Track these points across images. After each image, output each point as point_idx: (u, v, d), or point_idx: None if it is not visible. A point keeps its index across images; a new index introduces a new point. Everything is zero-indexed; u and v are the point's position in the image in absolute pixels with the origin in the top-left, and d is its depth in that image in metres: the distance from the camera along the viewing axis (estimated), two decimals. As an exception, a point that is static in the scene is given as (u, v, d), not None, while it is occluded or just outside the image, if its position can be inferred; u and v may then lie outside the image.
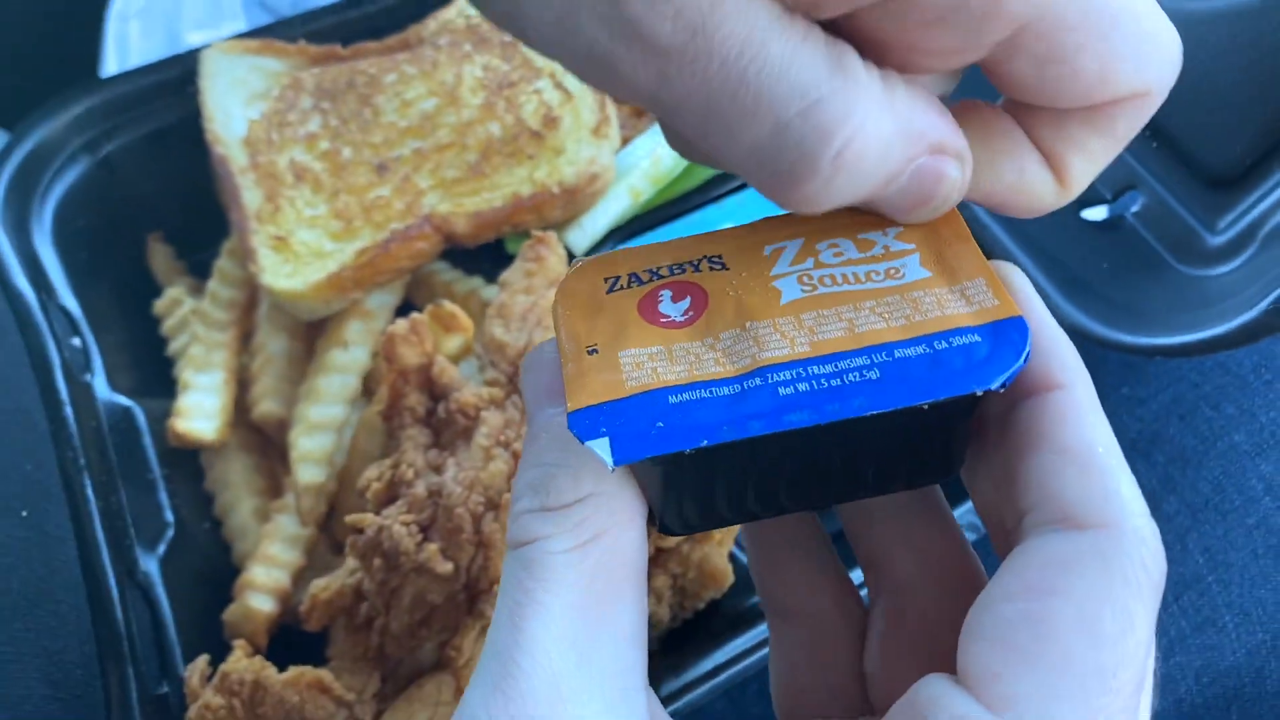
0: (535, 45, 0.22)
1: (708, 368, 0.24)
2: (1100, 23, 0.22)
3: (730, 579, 0.55)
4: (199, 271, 0.70)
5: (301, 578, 0.57)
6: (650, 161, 0.69)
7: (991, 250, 0.61)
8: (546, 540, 0.24)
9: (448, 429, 0.53)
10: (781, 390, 0.23)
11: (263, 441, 0.64)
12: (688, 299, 0.25)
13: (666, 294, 0.26)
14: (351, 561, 0.52)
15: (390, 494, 0.52)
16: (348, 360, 0.62)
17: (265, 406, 0.62)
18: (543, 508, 0.24)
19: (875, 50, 0.23)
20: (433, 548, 0.48)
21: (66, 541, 0.54)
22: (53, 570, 0.53)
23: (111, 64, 0.79)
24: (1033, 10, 0.21)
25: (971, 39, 0.22)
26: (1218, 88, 0.66)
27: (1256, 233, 0.62)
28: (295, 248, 0.62)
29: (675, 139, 0.26)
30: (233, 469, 0.62)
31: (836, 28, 0.22)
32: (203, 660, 0.51)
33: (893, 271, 0.25)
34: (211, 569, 0.60)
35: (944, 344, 0.23)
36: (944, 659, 0.24)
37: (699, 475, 0.24)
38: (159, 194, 0.71)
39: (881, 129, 0.22)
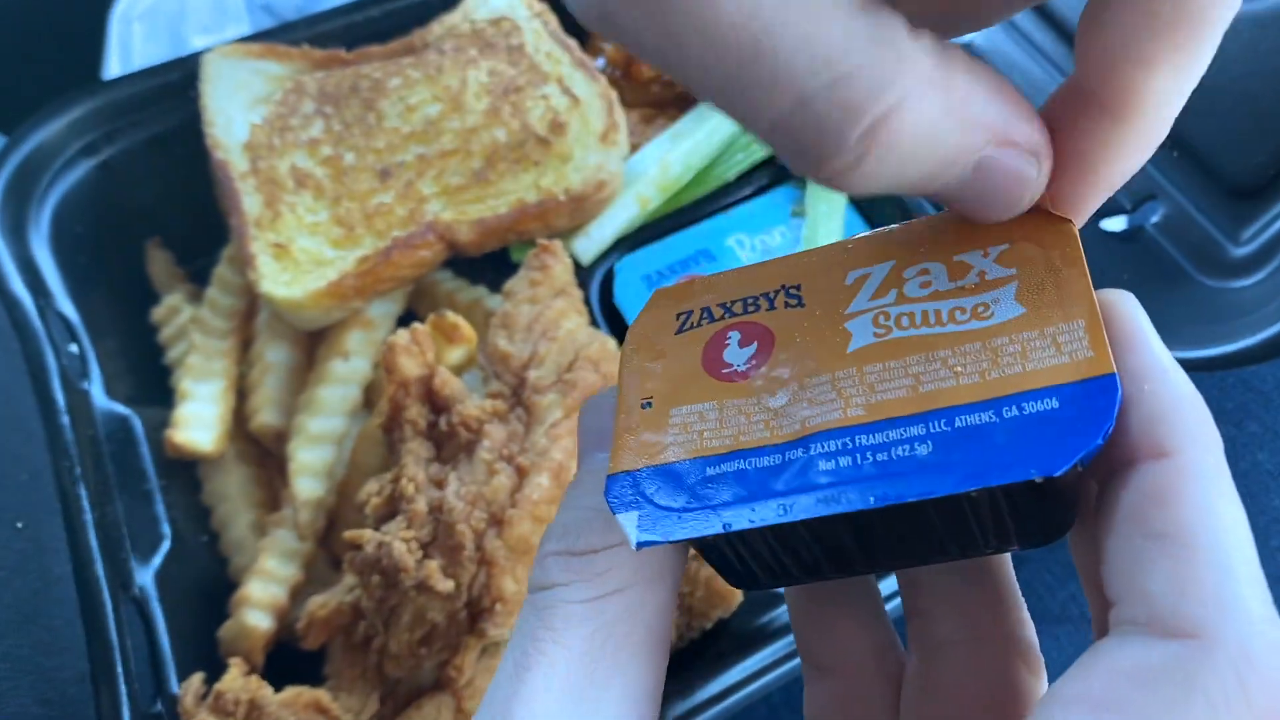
0: None
1: (754, 433, 0.23)
2: None
3: (739, 598, 0.54)
4: (198, 278, 0.69)
5: (299, 593, 0.56)
6: (659, 169, 0.68)
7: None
8: (565, 588, 0.23)
9: (450, 442, 0.52)
10: (822, 465, 0.21)
11: (261, 452, 0.63)
12: (754, 345, 0.24)
13: (735, 336, 0.25)
14: (350, 578, 0.51)
15: (390, 509, 0.51)
16: (348, 371, 0.61)
17: (263, 417, 0.61)
18: (567, 551, 0.24)
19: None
20: (433, 565, 0.47)
21: (62, 554, 0.53)
22: (48, 583, 0.52)
23: (114, 67, 0.78)
24: None
25: None
26: (1239, 96, 0.65)
27: (1282, 245, 0.60)
28: (295, 255, 0.61)
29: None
30: (230, 481, 0.60)
31: None
32: (197, 679, 0.50)
33: (980, 309, 0.22)
34: (208, 582, 0.59)
35: (1013, 410, 0.20)
36: None
37: (732, 550, 0.24)
38: (159, 199, 0.70)
39: (927, 110, 0.19)
